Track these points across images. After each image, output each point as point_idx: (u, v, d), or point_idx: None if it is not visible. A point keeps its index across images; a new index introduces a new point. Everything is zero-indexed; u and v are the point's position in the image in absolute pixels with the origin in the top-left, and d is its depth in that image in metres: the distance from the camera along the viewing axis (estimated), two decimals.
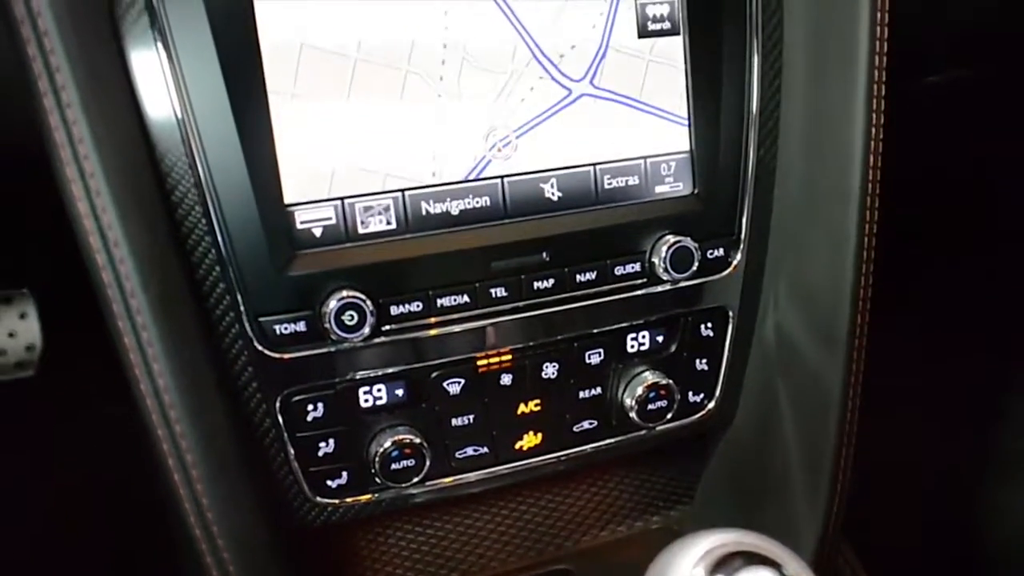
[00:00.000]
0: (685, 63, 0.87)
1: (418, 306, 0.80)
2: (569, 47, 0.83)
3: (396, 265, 0.79)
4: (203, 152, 0.72)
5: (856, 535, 1.10)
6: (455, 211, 0.81)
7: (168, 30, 0.70)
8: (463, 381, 0.85)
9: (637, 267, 0.87)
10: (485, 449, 0.89)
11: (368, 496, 0.86)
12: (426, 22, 0.78)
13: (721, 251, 0.91)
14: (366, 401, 0.83)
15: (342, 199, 0.77)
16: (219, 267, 0.75)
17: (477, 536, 1.02)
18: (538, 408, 0.89)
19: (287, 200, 0.76)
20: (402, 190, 0.79)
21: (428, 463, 0.84)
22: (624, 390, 0.92)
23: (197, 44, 0.70)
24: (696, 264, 0.87)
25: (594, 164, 0.85)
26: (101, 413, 1.14)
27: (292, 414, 0.81)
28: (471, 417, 0.87)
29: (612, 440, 0.94)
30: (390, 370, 0.82)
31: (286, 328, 0.77)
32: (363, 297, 0.76)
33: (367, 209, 0.78)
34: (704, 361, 0.95)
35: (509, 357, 0.87)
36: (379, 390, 0.83)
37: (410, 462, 0.83)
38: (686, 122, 0.88)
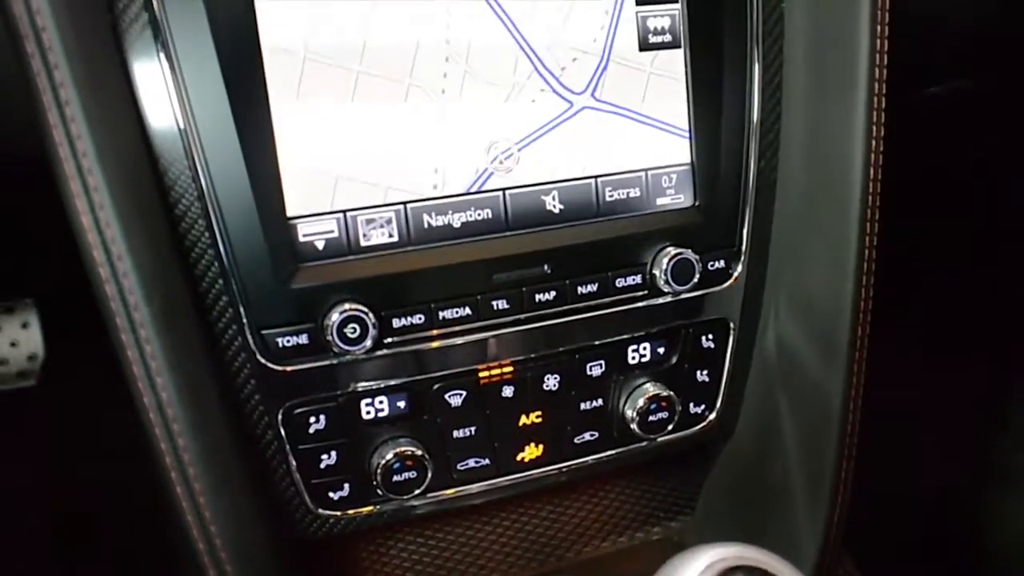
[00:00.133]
0: (686, 75, 0.87)
1: (420, 319, 0.80)
2: (571, 60, 0.83)
3: (398, 278, 0.79)
4: (206, 165, 0.72)
5: (857, 547, 1.10)
6: (457, 224, 0.81)
7: (171, 43, 0.70)
8: (465, 393, 0.86)
9: (638, 279, 0.87)
10: (486, 461, 0.89)
11: (370, 508, 0.86)
12: (428, 35, 0.78)
13: (722, 263, 0.91)
14: (368, 413, 0.83)
15: (344, 212, 0.78)
16: (222, 280, 0.75)
17: (479, 547, 1.02)
18: (539, 420, 0.90)
19: (290, 213, 0.76)
20: (404, 203, 0.79)
21: (430, 475, 0.84)
22: (625, 401, 0.92)
23: (200, 57, 0.71)
24: (697, 276, 0.87)
25: (595, 176, 0.86)
26: (102, 423, 1.14)
27: (294, 426, 0.81)
28: (473, 429, 0.87)
29: (613, 451, 0.94)
30: (392, 382, 0.83)
31: (288, 341, 0.77)
32: (365, 310, 0.77)
33: (369, 222, 0.79)
34: (705, 372, 0.96)
35: (510, 369, 0.87)
36: (381, 402, 0.83)
37: (412, 474, 0.83)
38: (687, 134, 0.88)
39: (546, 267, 0.84)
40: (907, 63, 0.86)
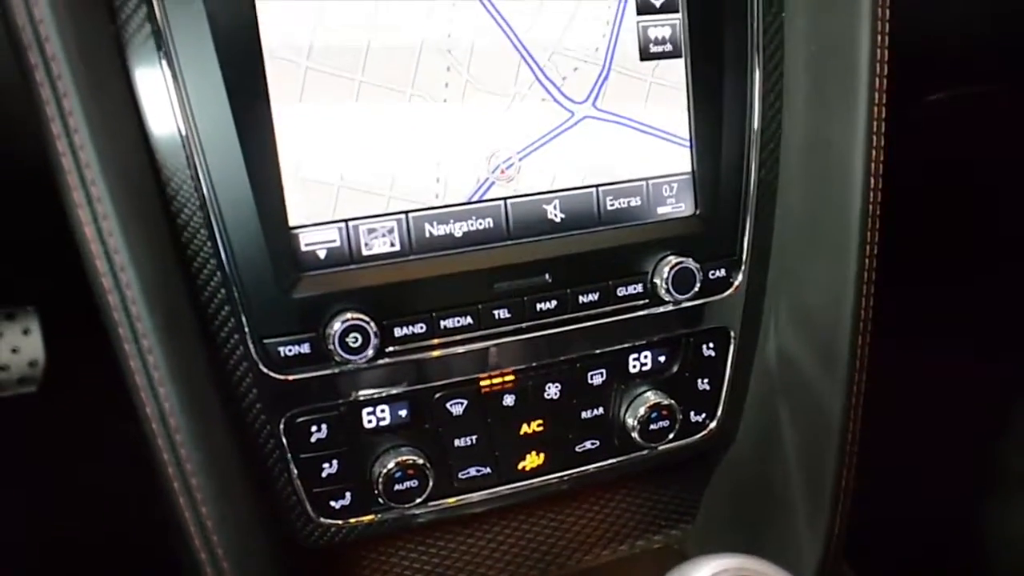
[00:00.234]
0: (687, 85, 0.87)
1: (421, 328, 0.81)
2: (572, 69, 0.83)
3: (400, 287, 0.79)
4: (208, 175, 0.73)
5: (858, 558, 1.10)
6: (458, 233, 0.82)
7: (174, 53, 0.71)
8: (466, 402, 0.86)
9: (639, 288, 0.87)
10: (488, 469, 0.89)
11: (371, 516, 0.86)
12: (430, 44, 0.78)
13: (723, 271, 0.91)
14: (369, 422, 0.83)
15: (346, 221, 0.78)
16: (224, 289, 0.76)
17: (479, 555, 1.02)
18: (541, 428, 0.90)
19: (292, 222, 0.76)
20: (406, 212, 0.80)
21: (431, 484, 0.84)
22: (626, 410, 0.92)
23: (203, 68, 0.71)
24: (698, 285, 0.88)
25: (596, 185, 0.86)
26: (103, 429, 1.14)
27: (296, 435, 0.81)
28: (474, 438, 0.87)
29: (614, 460, 0.94)
30: (393, 391, 0.83)
31: (290, 350, 0.77)
32: (367, 319, 0.77)
33: (371, 231, 0.79)
34: (706, 381, 0.96)
35: (512, 378, 0.87)
36: (382, 411, 0.83)
37: (413, 483, 0.83)
38: (688, 143, 0.88)
39: (547, 276, 0.84)
40: (908, 71, 0.86)
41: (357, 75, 0.76)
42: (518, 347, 0.85)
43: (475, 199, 0.82)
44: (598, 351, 0.89)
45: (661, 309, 0.89)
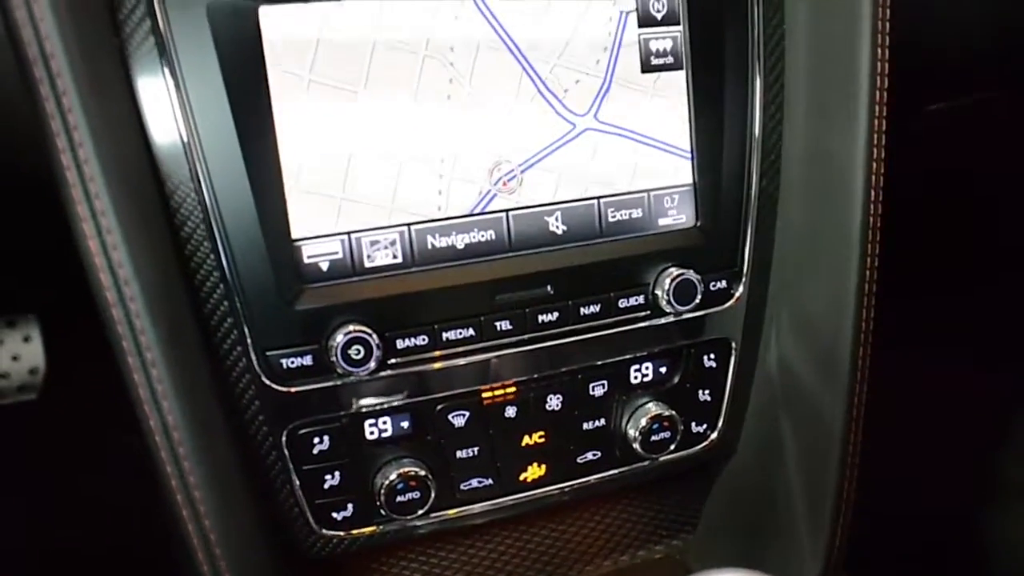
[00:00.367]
0: (688, 97, 0.88)
1: (424, 340, 0.81)
2: (573, 82, 0.83)
3: (402, 299, 0.79)
4: (211, 187, 0.73)
5: (858, 568, 1.10)
6: (460, 245, 0.82)
7: (178, 67, 0.71)
8: (468, 413, 0.86)
9: (641, 299, 0.88)
10: (490, 481, 0.89)
11: (372, 528, 0.86)
12: (432, 57, 0.78)
13: (724, 283, 0.91)
14: (371, 434, 0.83)
15: (349, 233, 0.78)
16: (227, 302, 0.76)
17: (481, 566, 1.02)
18: (543, 440, 0.90)
19: (295, 235, 0.76)
20: (408, 224, 0.80)
21: (433, 495, 0.84)
22: (628, 421, 0.92)
23: (206, 82, 0.71)
24: (699, 296, 0.88)
25: (598, 197, 0.86)
26: (104, 438, 1.14)
27: (298, 447, 0.81)
28: (476, 449, 0.87)
29: (616, 471, 0.94)
30: (395, 403, 0.83)
31: (293, 362, 0.77)
32: (369, 331, 0.77)
33: (373, 243, 0.79)
34: (707, 392, 0.96)
35: (514, 389, 0.87)
36: (384, 423, 0.83)
37: (415, 494, 0.83)
38: (689, 155, 0.89)
39: (549, 288, 0.84)
40: (908, 81, 0.86)
41: (360, 87, 0.76)
42: (520, 359, 0.85)
43: (477, 211, 0.82)
44: (599, 363, 0.89)
45: (662, 321, 0.89)
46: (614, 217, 0.87)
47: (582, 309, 0.86)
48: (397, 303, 0.79)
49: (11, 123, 0.72)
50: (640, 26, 0.85)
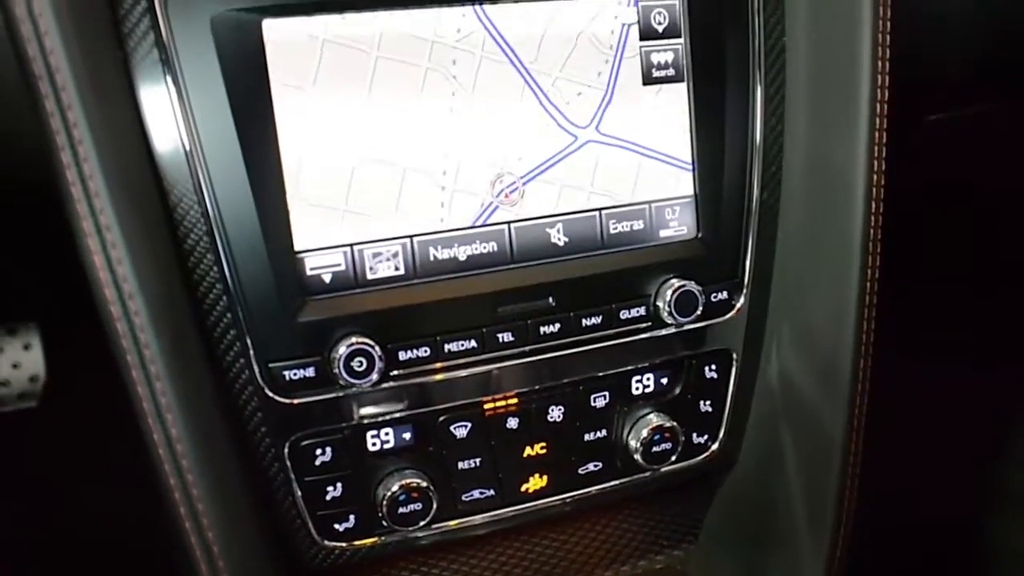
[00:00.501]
0: (689, 108, 0.88)
1: (426, 351, 0.81)
2: (575, 94, 0.84)
3: (404, 311, 0.80)
4: (215, 200, 0.73)
5: None
6: (462, 257, 0.82)
7: (182, 80, 0.71)
8: (470, 425, 0.86)
9: (642, 311, 0.88)
10: (491, 492, 0.89)
11: (374, 539, 0.86)
12: (434, 70, 0.79)
13: (725, 294, 0.91)
14: (373, 445, 0.83)
15: (351, 245, 0.78)
16: (229, 313, 0.76)
17: None
18: (544, 451, 0.90)
19: (297, 247, 0.76)
20: (410, 236, 0.80)
21: (435, 506, 0.84)
22: (629, 432, 0.92)
23: (210, 95, 0.72)
24: (700, 307, 0.88)
25: (599, 209, 0.86)
26: (105, 447, 1.14)
27: (300, 458, 0.81)
28: (478, 460, 0.87)
29: (617, 482, 0.94)
30: (397, 414, 0.83)
31: (295, 374, 0.77)
32: (372, 343, 0.77)
33: (376, 255, 0.79)
34: (708, 403, 0.96)
35: (515, 401, 0.87)
36: (386, 434, 0.83)
37: (417, 505, 0.83)
38: (690, 167, 0.89)
39: (551, 299, 0.84)
40: (908, 91, 0.86)
41: (362, 99, 0.77)
42: (521, 370, 0.86)
43: (479, 223, 0.82)
44: (601, 374, 0.90)
45: (663, 332, 0.90)
46: (615, 228, 0.87)
47: (584, 320, 0.86)
48: (399, 315, 0.79)
49: (16, 137, 0.72)
50: (642, 39, 0.85)
